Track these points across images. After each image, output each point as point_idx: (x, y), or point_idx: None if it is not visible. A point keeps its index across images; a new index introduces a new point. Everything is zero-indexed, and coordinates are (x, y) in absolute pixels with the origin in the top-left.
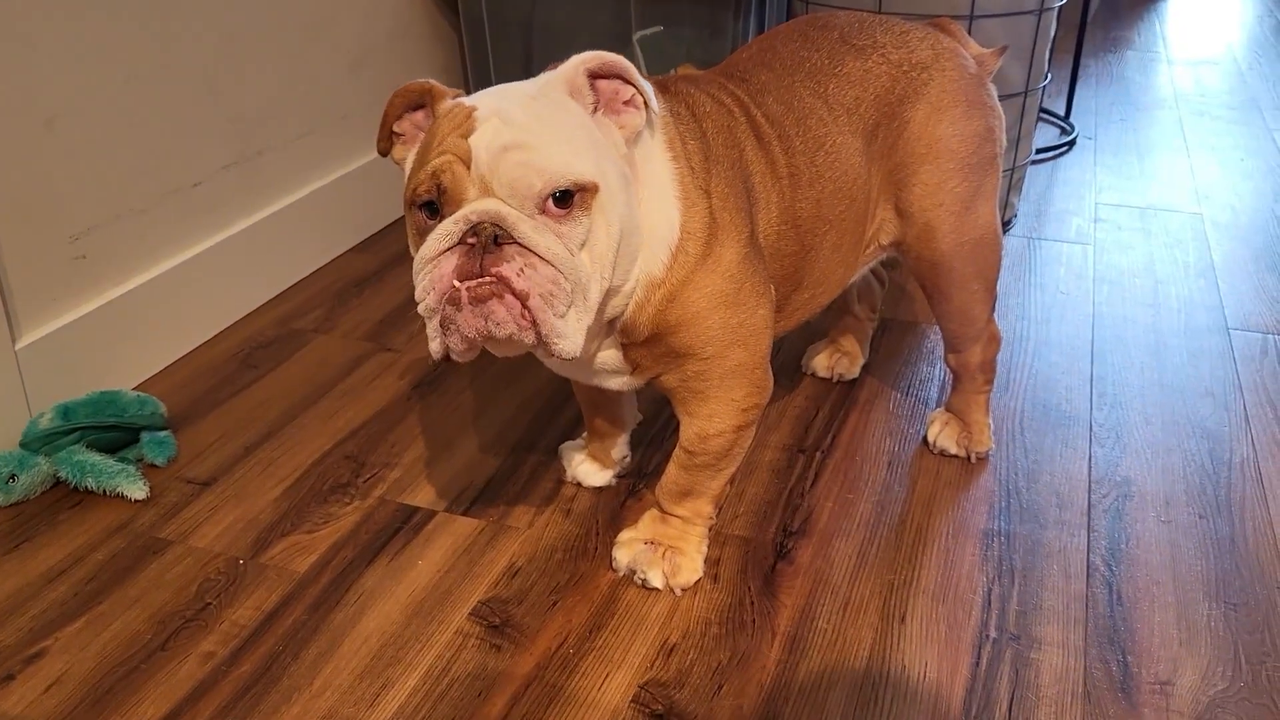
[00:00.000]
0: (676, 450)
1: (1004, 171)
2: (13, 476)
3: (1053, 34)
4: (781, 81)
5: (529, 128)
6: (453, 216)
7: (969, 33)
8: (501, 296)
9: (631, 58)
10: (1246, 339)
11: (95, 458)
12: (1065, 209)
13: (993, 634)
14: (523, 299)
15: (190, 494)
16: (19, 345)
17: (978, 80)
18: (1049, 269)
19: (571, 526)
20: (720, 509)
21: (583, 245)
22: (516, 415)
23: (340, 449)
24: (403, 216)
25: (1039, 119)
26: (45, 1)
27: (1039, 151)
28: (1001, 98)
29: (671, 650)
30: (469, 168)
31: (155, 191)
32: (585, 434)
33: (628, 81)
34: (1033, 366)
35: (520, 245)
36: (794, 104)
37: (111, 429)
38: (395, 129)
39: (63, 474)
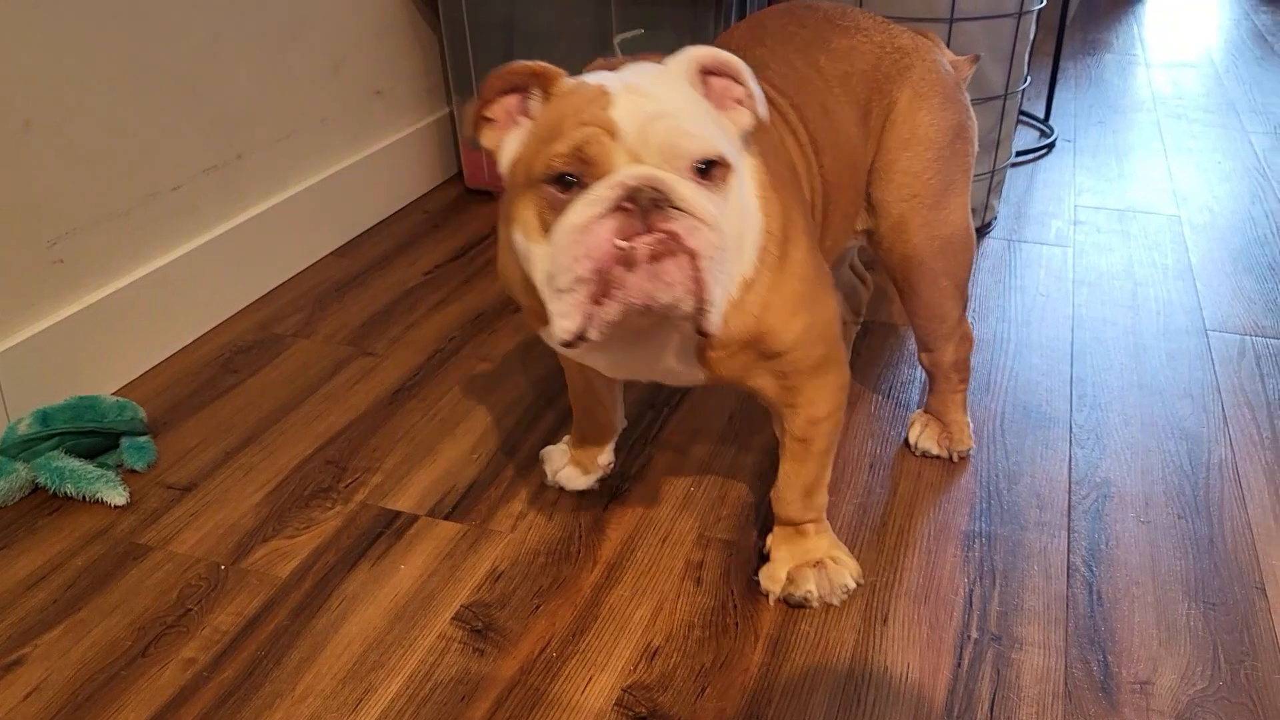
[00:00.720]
0: (788, 448)
1: (984, 174)
2: None
3: (1032, 37)
4: (776, 54)
5: (669, 100)
6: (605, 181)
7: (949, 35)
8: (676, 255)
9: None
10: (1224, 340)
11: (74, 463)
12: (1045, 211)
13: (974, 634)
14: (694, 258)
15: (171, 499)
16: None
17: (955, 78)
18: (1029, 271)
19: (554, 530)
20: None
21: (721, 218)
22: (498, 420)
23: (322, 453)
24: (384, 220)
25: (1018, 121)
26: (23, 2)
27: (1019, 154)
28: (981, 100)
29: (655, 653)
30: (615, 138)
31: (134, 195)
32: (568, 438)
33: (738, 81)
34: (1013, 369)
35: (680, 209)
36: (792, 73)
37: (91, 434)
38: (486, 114)
39: (41, 480)
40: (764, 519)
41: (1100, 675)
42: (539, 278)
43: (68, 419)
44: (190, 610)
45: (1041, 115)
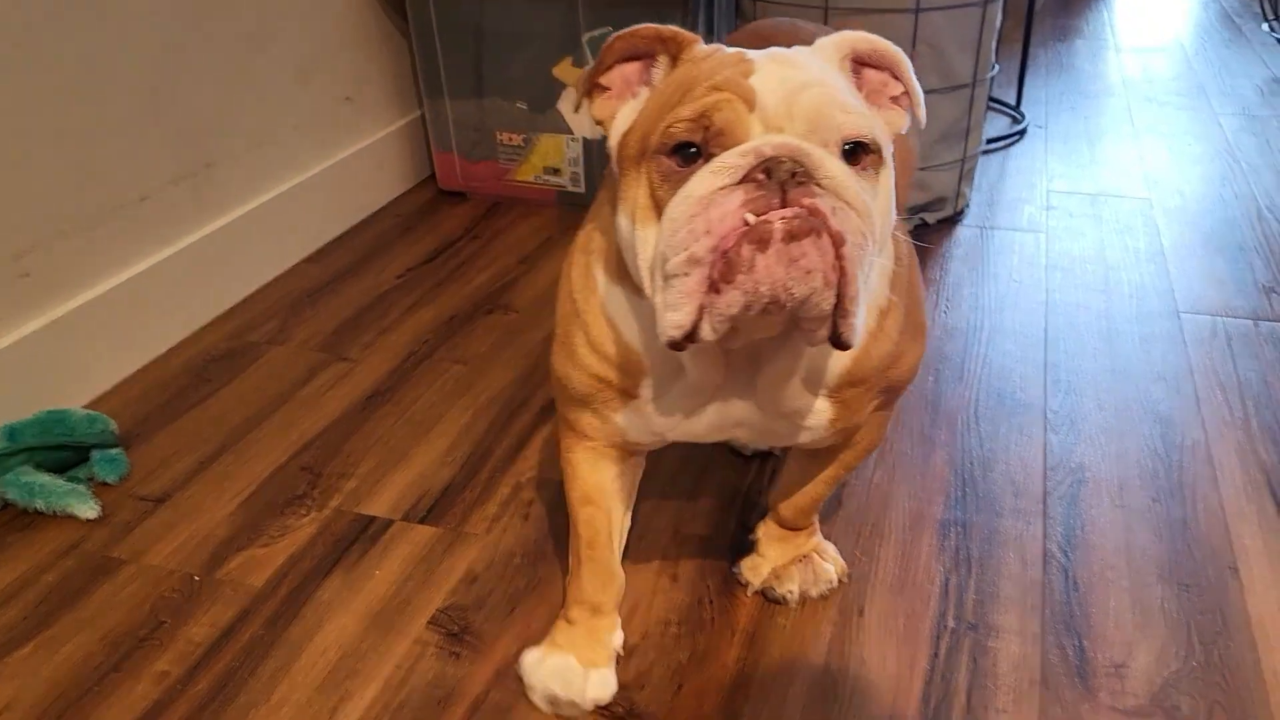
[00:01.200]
0: (831, 471)
1: (954, 162)
2: None
3: (999, 24)
4: None
5: (819, 72)
6: (735, 150)
7: (915, 26)
8: (819, 235)
9: (580, 59)
10: (1196, 322)
11: (44, 478)
12: (1017, 197)
13: (951, 624)
14: (838, 243)
15: (143, 511)
16: None
17: None
18: (1002, 258)
19: (529, 531)
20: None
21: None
22: (471, 423)
23: (296, 460)
24: (357, 225)
25: (989, 108)
26: None
27: (990, 141)
28: (949, 89)
29: (631, 652)
30: (752, 108)
31: (100, 207)
32: (557, 629)
33: (896, 75)
34: (987, 356)
35: (824, 189)
36: None
37: (61, 448)
38: (601, 81)
39: (10, 496)
40: (740, 512)
41: (1076, 660)
42: (644, 267)
43: (36, 433)
44: (164, 623)
45: (1013, 102)
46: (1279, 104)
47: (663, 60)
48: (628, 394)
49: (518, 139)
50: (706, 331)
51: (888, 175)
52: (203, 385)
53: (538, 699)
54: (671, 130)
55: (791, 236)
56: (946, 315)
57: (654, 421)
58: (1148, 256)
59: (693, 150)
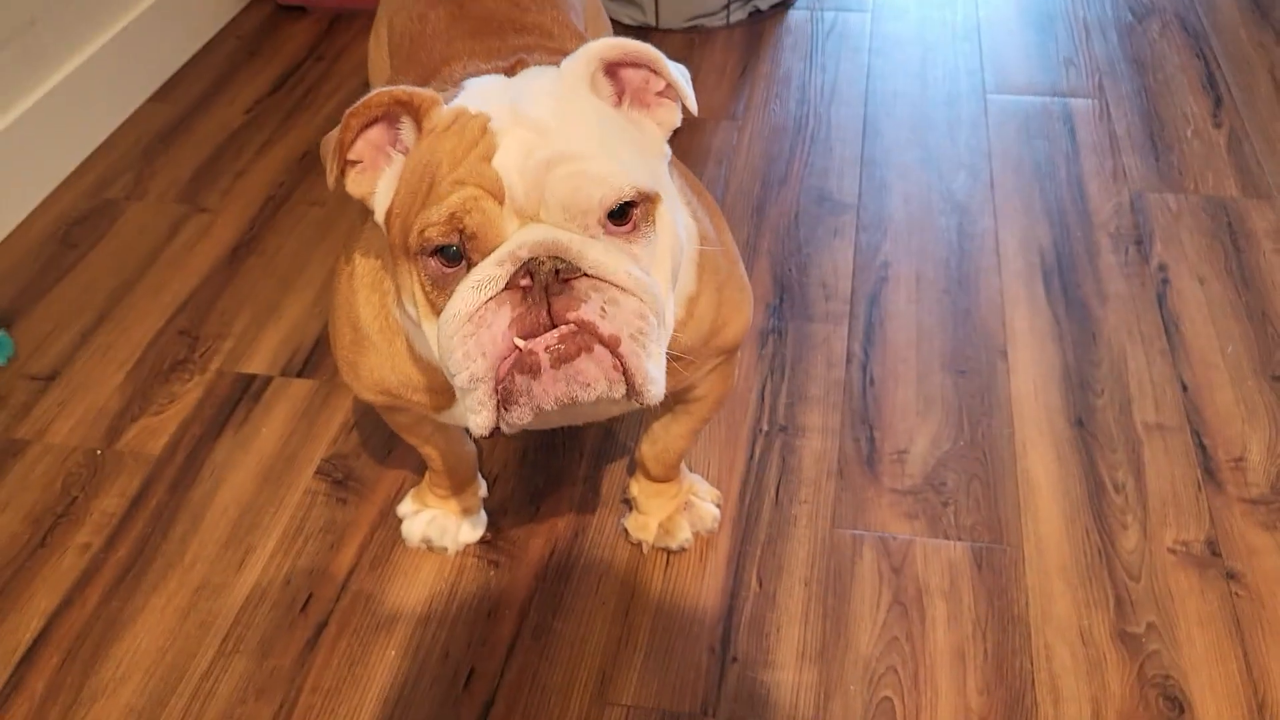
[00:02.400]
0: (687, 425)
1: None
2: None
3: None
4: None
5: (567, 134)
6: (493, 257)
7: None
8: (591, 349)
9: None
10: (1001, 103)
11: None
12: None
13: (765, 428)
14: (613, 346)
15: (36, 390)
16: None
17: None
18: (830, 44)
19: None
20: None
21: (651, 266)
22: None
23: (173, 325)
24: (199, 53)
25: None
26: None
27: None
28: None
29: (494, 481)
30: (501, 201)
31: None
32: (424, 491)
33: (655, 71)
34: (810, 155)
35: (591, 277)
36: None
37: None
38: (350, 156)
39: None
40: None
41: (866, 451)
42: (437, 355)
43: None
44: (76, 498)
45: None
46: None
47: (407, 121)
48: (439, 406)
49: None
50: (506, 429)
51: (666, 211)
52: (69, 252)
53: (415, 544)
54: (426, 235)
55: (561, 360)
56: (775, 112)
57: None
58: (964, 34)
59: (454, 249)
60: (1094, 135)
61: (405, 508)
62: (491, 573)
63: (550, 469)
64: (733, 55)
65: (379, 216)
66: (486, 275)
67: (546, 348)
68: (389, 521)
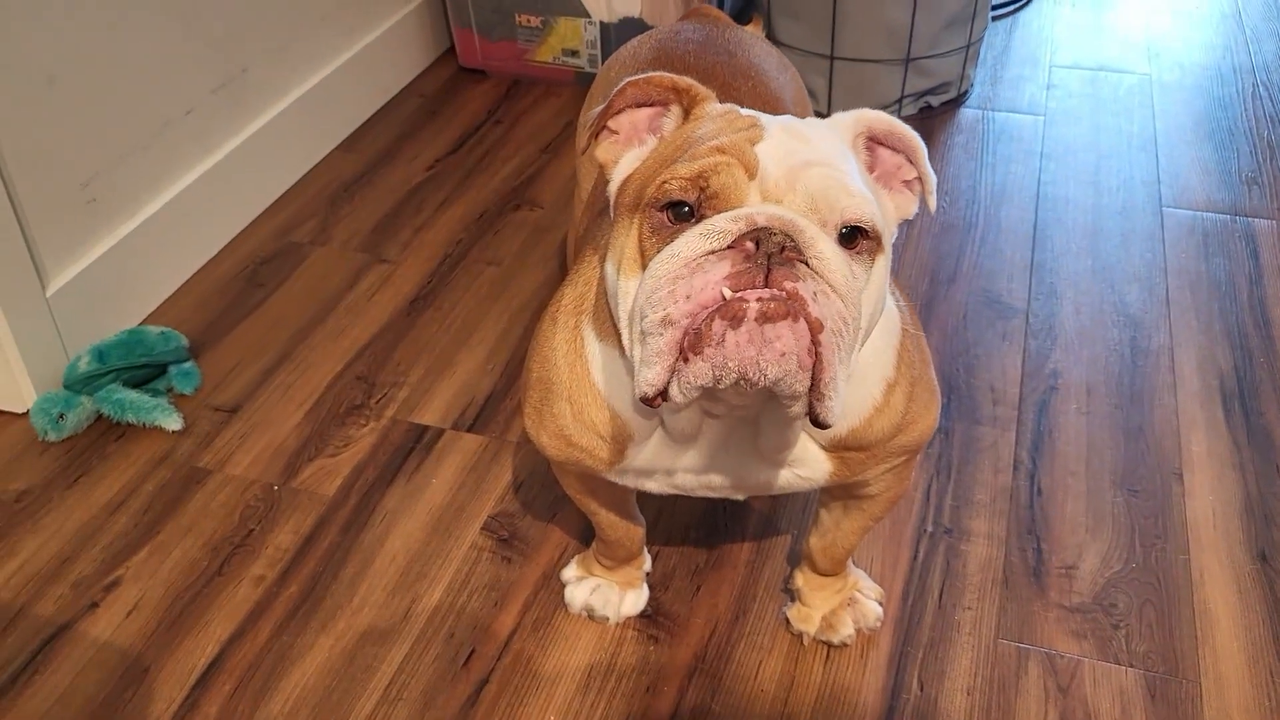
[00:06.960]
0: (859, 521)
1: (961, 47)
2: (61, 415)
3: None
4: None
5: (828, 152)
6: (729, 213)
7: None
8: (796, 319)
9: None
10: (1177, 218)
11: (132, 395)
12: (1020, 74)
13: (929, 528)
14: (815, 330)
15: (220, 421)
16: (49, 293)
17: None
18: (1000, 145)
19: None
20: None
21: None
22: (508, 328)
23: (351, 370)
24: (383, 108)
25: None
26: None
27: (997, 6)
28: None
29: (656, 556)
30: (752, 176)
31: (152, 127)
32: (590, 559)
33: (911, 160)
34: (979, 256)
35: (811, 269)
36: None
37: (143, 366)
38: (610, 124)
39: (105, 411)
40: None
41: (1034, 562)
42: (623, 317)
43: (121, 355)
44: (253, 530)
45: None
46: None
47: (675, 111)
48: (614, 458)
49: (535, 21)
50: (676, 394)
51: (883, 264)
52: (255, 290)
53: (577, 610)
54: (667, 186)
55: (766, 318)
56: (945, 209)
57: (643, 482)
58: (1140, 144)
59: (686, 209)
60: (1278, 259)
61: (570, 573)
62: (651, 647)
63: (713, 549)
64: None
65: (613, 186)
66: (717, 227)
67: (758, 299)
68: (552, 584)
